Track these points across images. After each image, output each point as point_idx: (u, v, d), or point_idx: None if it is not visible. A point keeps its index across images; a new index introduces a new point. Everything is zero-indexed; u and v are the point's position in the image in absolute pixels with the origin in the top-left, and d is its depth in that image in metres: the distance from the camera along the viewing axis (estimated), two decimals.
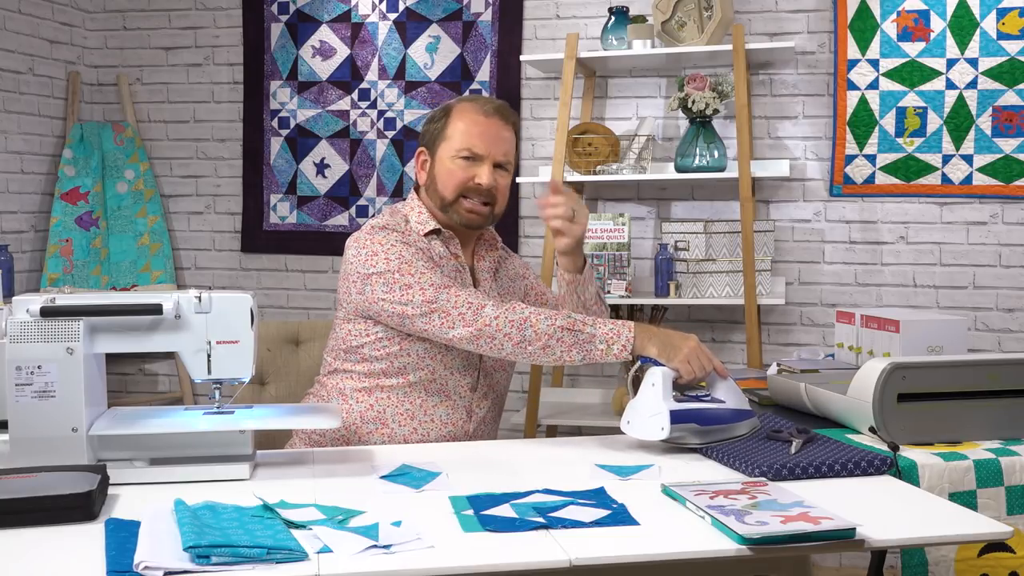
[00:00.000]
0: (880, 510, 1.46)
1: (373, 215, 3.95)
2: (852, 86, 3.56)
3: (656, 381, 1.81)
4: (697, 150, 3.44)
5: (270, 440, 2.15)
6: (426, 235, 2.11)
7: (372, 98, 3.98)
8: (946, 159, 3.50)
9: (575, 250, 2.15)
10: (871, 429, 1.79)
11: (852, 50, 3.55)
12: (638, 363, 1.90)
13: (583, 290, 2.18)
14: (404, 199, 2.24)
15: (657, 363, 1.85)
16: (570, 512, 1.41)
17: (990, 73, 3.43)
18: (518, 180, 3.70)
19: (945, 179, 3.51)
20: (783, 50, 3.44)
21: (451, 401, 2.08)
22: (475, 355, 2.09)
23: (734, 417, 1.84)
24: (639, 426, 1.81)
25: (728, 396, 1.86)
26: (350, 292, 2.06)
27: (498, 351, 1.92)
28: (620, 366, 3.67)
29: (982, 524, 1.40)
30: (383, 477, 1.64)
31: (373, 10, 3.96)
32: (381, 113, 3.98)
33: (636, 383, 1.91)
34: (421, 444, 2.04)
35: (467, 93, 3.90)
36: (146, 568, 1.19)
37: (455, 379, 2.08)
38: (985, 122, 3.45)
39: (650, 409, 1.80)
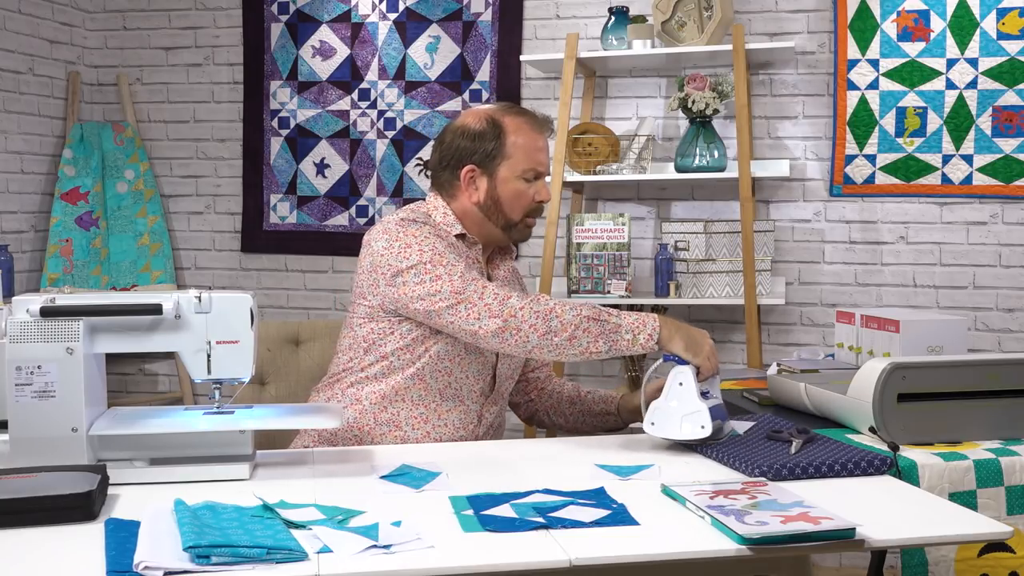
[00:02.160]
0: (880, 510, 1.46)
1: (373, 215, 3.95)
2: (852, 86, 3.56)
3: (685, 380, 1.80)
4: (697, 150, 3.44)
5: (272, 440, 2.15)
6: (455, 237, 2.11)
7: (372, 98, 3.98)
8: (946, 159, 3.50)
9: None
10: (871, 429, 1.79)
11: (852, 50, 3.55)
12: (659, 361, 1.89)
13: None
14: (404, 199, 2.23)
15: (681, 361, 1.84)
16: (570, 512, 1.41)
17: (990, 73, 3.43)
18: None
19: (945, 179, 3.51)
20: (783, 50, 3.44)
21: (464, 406, 2.07)
22: (490, 360, 2.08)
23: (727, 413, 1.87)
24: (670, 426, 1.79)
25: (718, 392, 1.88)
26: (377, 285, 2.02)
27: (524, 344, 1.89)
28: (620, 365, 3.67)
29: (982, 524, 1.40)
30: (383, 477, 1.64)
31: (373, 10, 3.96)
32: (381, 113, 3.98)
33: (648, 381, 1.92)
34: (421, 444, 2.04)
35: (466, 95, 3.90)
36: (146, 568, 1.19)
37: (469, 383, 2.07)
38: (985, 122, 3.45)
39: (684, 408, 1.78)
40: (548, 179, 2.21)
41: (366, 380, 2.07)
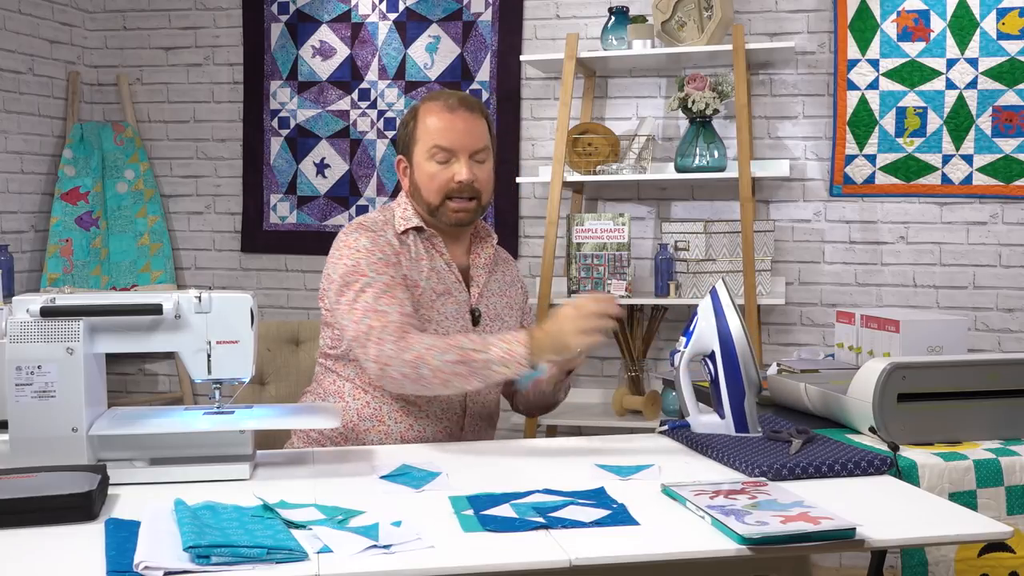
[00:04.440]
0: (880, 510, 1.46)
1: None
2: (852, 86, 3.56)
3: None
4: (697, 150, 3.44)
5: (269, 440, 2.15)
6: (405, 232, 2.12)
7: (372, 98, 3.98)
8: (946, 159, 3.50)
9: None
10: (871, 429, 1.79)
11: (852, 50, 3.55)
12: (666, 427, 1.94)
13: (562, 387, 2.16)
14: None
15: (684, 423, 1.88)
16: (570, 512, 1.41)
17: (990, 73, 3.43)
18: (518, 180, 3.71)
19: (945, 179, 3.51)
20: (783, 50, 3.44)
21: (446, 396, 2.08)
22: None
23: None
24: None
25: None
26: (328, 290, 2.10)
27: (402, 388, 1.92)
28: (620, 366, 3.67)
29: (982, 524, 1.40)
30: (383, 477, 1.64)
31: (373, 10, 3.96)
32: (381, 113, 3.98)
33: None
34: (422, 444, 2.04)
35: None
36: (146, 568, 1.19)
37: None
38: (985, 122, 3.45)
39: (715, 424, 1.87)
40: (487, 163, 2.10)
41: (343, 378, 2.10)
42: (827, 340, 3.56)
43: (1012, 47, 3.41)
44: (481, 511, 1.43)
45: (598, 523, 1.38)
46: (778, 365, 2.30)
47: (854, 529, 1.31)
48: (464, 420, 2.11)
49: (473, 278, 2.17)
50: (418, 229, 2.12)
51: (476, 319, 2.13)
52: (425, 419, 2.07)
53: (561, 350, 1.82)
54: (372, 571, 1.22)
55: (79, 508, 1.39)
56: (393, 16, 3.95)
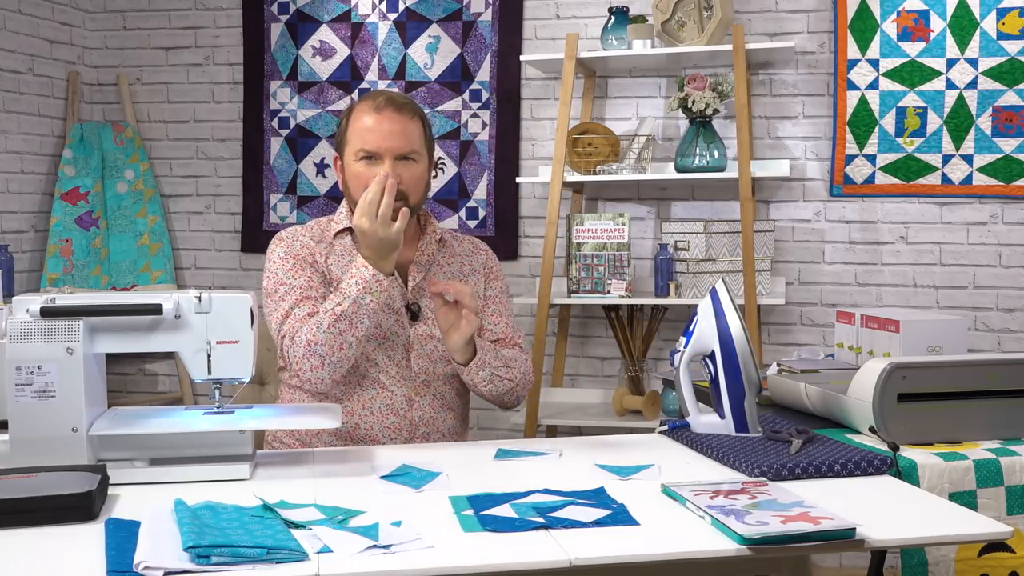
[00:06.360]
0: (880, 510, 1.46)
1: None
2: (852, 86, 3.56)
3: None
4: (697, 150, 3.44)
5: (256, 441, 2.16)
6: (337, 234, 2.16)
7: None
8: (946, 159, 3.50)
9: (469, 342, 2.02)
10: (871, 429, 1.79)
11: (852, 50, 3.55)
12: (666, 427, 1.94)
13: (474, 375, 2.06)
14: None
15: (684, 423, 1.88)
16: (570, 512, 1.41)
17: (990, 73, 3.43)
18: (518, 180, 3.71)
19: (945, 179, 3.51)
20: (783, 50, 3.44)
21: (389, 392, 2.09)
22: (398, 341, 2.09)
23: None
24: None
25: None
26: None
27: (318, 378, 1.99)
28: (620, 366, 3.67)
29: (982, 524, 1.40)
30: (383, 477, 1.64)
31: (373, 10, 3.96)
32: None
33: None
34: (422, 444, 2.05)
35: (466, 95, 3.90)
36: (146, 568, 1.19)
37: (382, 368, 2.08)
38: (985, 122, 3.45)
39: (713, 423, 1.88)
40: (423, 163, 2.14)
41: (291, 387, 2.16)
42: (827, 340, 3.56)
43: (1012, 47, 3.41)
44: (481, 511, 1.43)
45: (598, 523, 1.38)
46: (778, 365, 2.30)
47: (854, 529, 1.31)
48: (411, 414, 2.10)
49: (411, 273, 2.15)
50: (349, 229, 2.16)
51: (415, 313, 2.11)
52: (370, 416, 2.08)
53: (374, 241, 1.92)
54: (372, 571, 1.22)
55: (79, 508, 1.39)
56: (393, 16, 3.95)
